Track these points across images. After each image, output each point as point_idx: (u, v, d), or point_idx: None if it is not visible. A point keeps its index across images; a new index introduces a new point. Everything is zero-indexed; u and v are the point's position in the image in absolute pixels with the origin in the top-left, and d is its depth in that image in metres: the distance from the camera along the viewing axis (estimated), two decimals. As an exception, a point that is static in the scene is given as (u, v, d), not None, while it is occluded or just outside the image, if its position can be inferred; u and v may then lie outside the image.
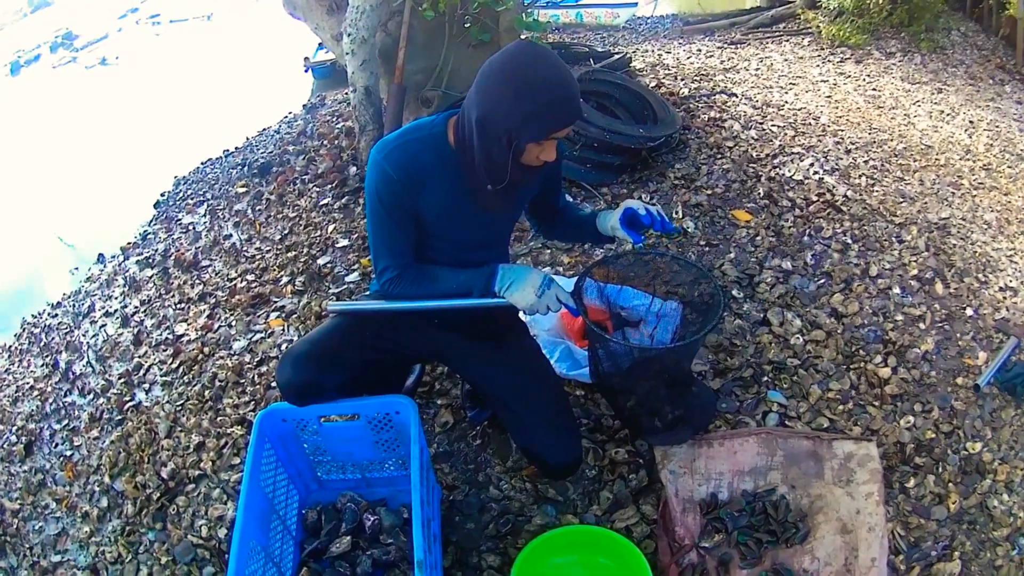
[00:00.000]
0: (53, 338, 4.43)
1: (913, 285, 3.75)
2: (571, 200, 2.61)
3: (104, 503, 3.17)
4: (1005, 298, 3.77)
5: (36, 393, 4.00)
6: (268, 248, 4.41)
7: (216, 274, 4.34)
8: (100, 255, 5.16)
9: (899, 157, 5.03)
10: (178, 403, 3.54)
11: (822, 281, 3.73)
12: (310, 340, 2.55)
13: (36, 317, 4.77)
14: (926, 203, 4.49)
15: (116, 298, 4.54)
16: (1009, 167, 5.15)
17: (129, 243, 5.18)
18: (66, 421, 3.74)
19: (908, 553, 2.66)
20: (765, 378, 3.24)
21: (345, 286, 3.99)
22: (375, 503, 2.72)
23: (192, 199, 5.32)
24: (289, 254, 4.29)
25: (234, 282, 4.21)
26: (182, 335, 3.97)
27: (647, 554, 2.53)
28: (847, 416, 3.07)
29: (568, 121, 2.10)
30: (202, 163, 5.96)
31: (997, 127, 5.82)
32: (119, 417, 3.59)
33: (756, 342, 3.41)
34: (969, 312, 3.62)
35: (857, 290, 3.67)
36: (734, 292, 3.67)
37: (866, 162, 4.86)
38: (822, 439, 2.90)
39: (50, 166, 7.51)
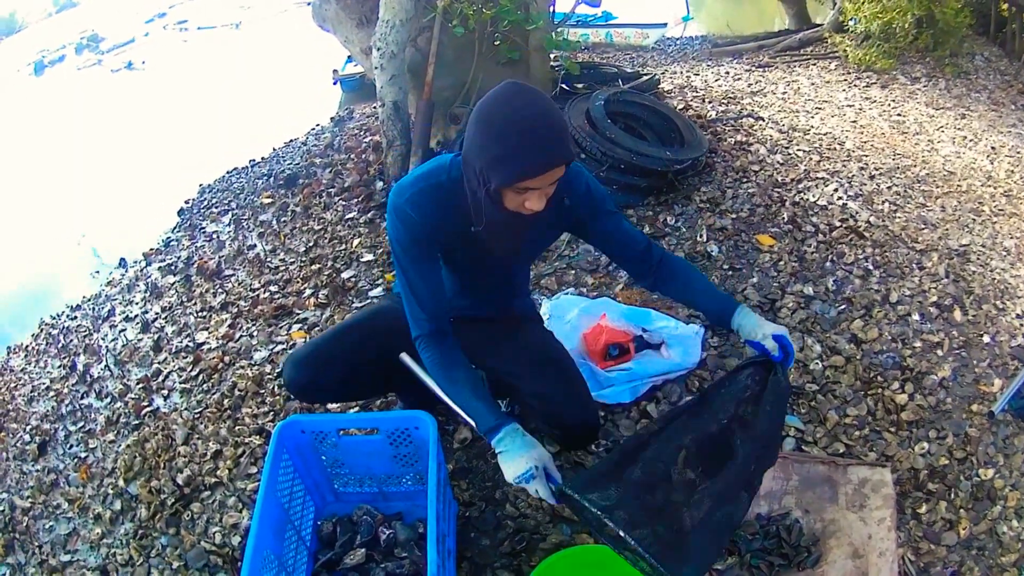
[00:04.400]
0: (71, 340, 4.46)
1: (932, 312, 3.73)
2: (687, 262, 2.58)
3: (117, 506, 3.19)
4: (1022, 325, 3.74)
5: (52, 394, 4.04)
6: (292, 260, 4.44)
7: (239, 284, 4.36)
8: (122, 259, 5.20)
9: (922, 183, 5.02)
10: (196, 410, 3.56)
11: (843, 307, 3.72)
12: (312, 343, 2.70)
13: (55, 319, 4.81)
14: (947, 230, 4.47)
15: (137, 303, 4.58)
16: (1030, 194, 5.13)
17: (152, 249, 5.22)
18: (82, 423, 3.77)
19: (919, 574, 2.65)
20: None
21: (368, 300, 4.01)
22: (391, 517, 2.73)
23: (217, 208, 5.36)
24: (313, 267, 4.32)
25: (257, 292, 4.23)
26: (203, 343, 3.99)
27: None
28: (863, 442, 3.05)
29: (538, 170, 1.97)
30: (228, 172, 6.00)
31: (1019, 153, 5.80)
32: (136, 422, 3.61)
33: None
34: (986, 339, 3.59)
35: (877, 316, 3.65)
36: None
37: (889, 188, 4.85)
38: (838, 464, 2.90)
39: (73, 168, 7.58)
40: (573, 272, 4.04)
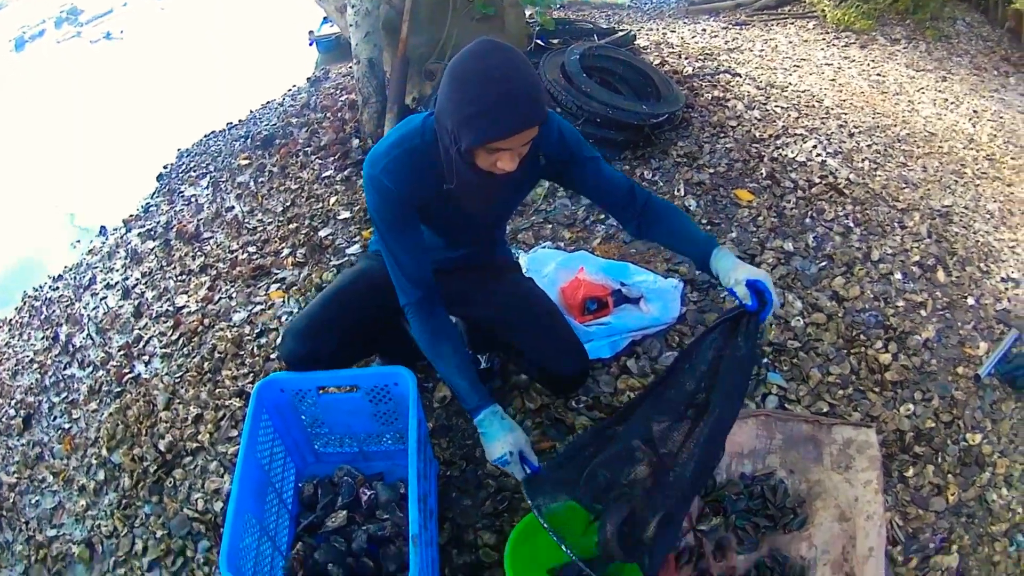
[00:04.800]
0: (54, 311, 4.39)
1: (915, 271, 3.71)
2: (672, 204, 2.47)
3: (101, 476, 3.15)
4: (1007, 289, 3.73)
5: (36, 366, 3.97)
6: (270, 220, 4.37)
7: (217, 246, 4.29)
8: (102, 228, 5.10)
9: (902, 143, 4.97)
10: (177, 375, 3.51)
11: (824, 264, 3.69)
12: (306, 314, 2.63)
13: (37, 291, 4.72)
14: (929, 190, 4.44)
15: (117, 270, 4.50)
16: (1013, 159, 5.08)
17: (131, 215, 5.12)
18: (65, 394, 3.71)
19: (906, 544, 2.64)
20: (765, 360, 3.19)
21: (346, 258, 3.95)
22: (372, 477, 2.69)
23: (195, 171, 5.26)
24: (291, 226, 4.26)
25: (235, 254, 4.17)
26: (182, 307, 3.93)
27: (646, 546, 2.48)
28: (847, 401, 3.04)
29: (510, 131, 1.91)
30: (205, 136, 5.89)
31: (1001, 118, 5.75)
32: (118, 389, 3.56)
33: None
34: (971, 301, 3.58)
35: (859, 274, 3.63)
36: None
37: (869, 146, 4.80)
38: (821, 424, 2.87)
39: (55, 141, 7.43)
40: (550, 226, 3.99)
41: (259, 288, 3.88)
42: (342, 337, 2.59)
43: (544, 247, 3.76)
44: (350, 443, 2.78)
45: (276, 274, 3.95)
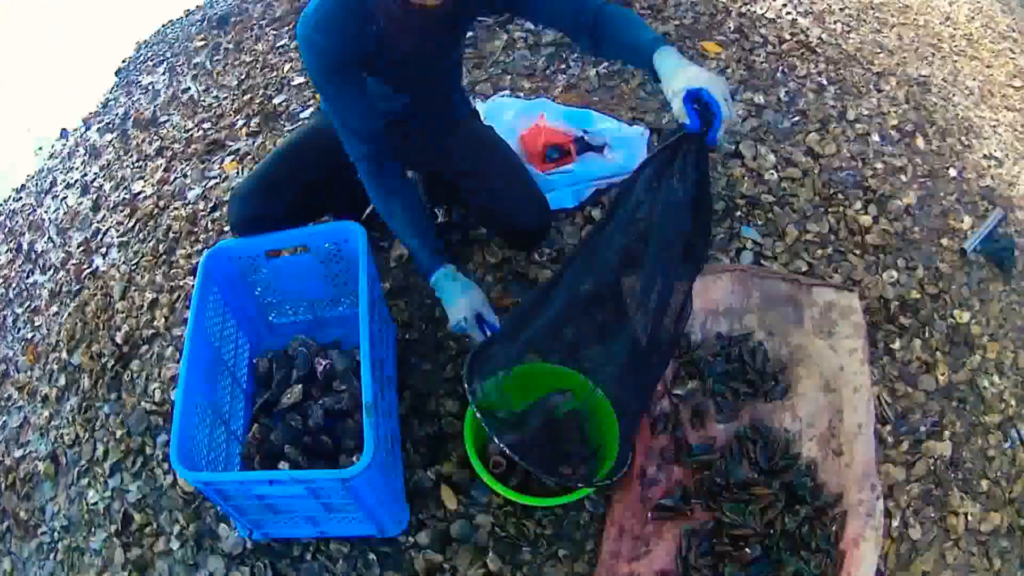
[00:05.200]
0: (17, 222, 4.07)
1: (893, 135, 3.43)
2: (629, 11, 2.08)
3: (62, 381, 2.93)
4: (990, 167, 3.48)
5: (0, 281, 3.69)
6: (225, 95, 4.04)
7: (174, 127, 3.97)
8: (63, 130, 4.74)
9: (875, 10, 4.58)
10: (133, 262, 3.24)
11: (796, 119, 3.40)
12: (254, 175, 2.45)
13: (2, 205, 4.40)
14: (905, 57, 4.11)
15: (77, 169, 4.16)
16: (992, 43, 4.74)
17: (90, 113, 4.76)
18: (28, 302, 3.44)
19: (896, 424, 2.49)
20: (738, 212, 2.97)
21: (300, 123, 3.65)
22: (327, 346, 2.43)
23: (152, 60, 4.87)
24: (245, 97, 3.93)
25: (191, 132, 3.85)
26: (139, 192, 3.62)
27: (618, 401, 2.22)
28: (827, 262, 2.85)
29: None
30: (163, 25, 5.45)
31: (979, 2, 5.38)
32: (77, 287, 3.30)
33: (728, 174, 3.11)
34: (953, 173, 3.34)
35: (834, 132, 3.35)
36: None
37: (841, 9, 4.42)
38: (801, 283, 2.64)
39: (10, 54, 6.90)
40: (509, 77, 3.66)
41: (213, 162, 3.60)
42: (292, 197, 2.38)
43: (503, 96, 3.46)
44: (304, 310, 2.55)
45: (230, 146, 3.66)
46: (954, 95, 3.94)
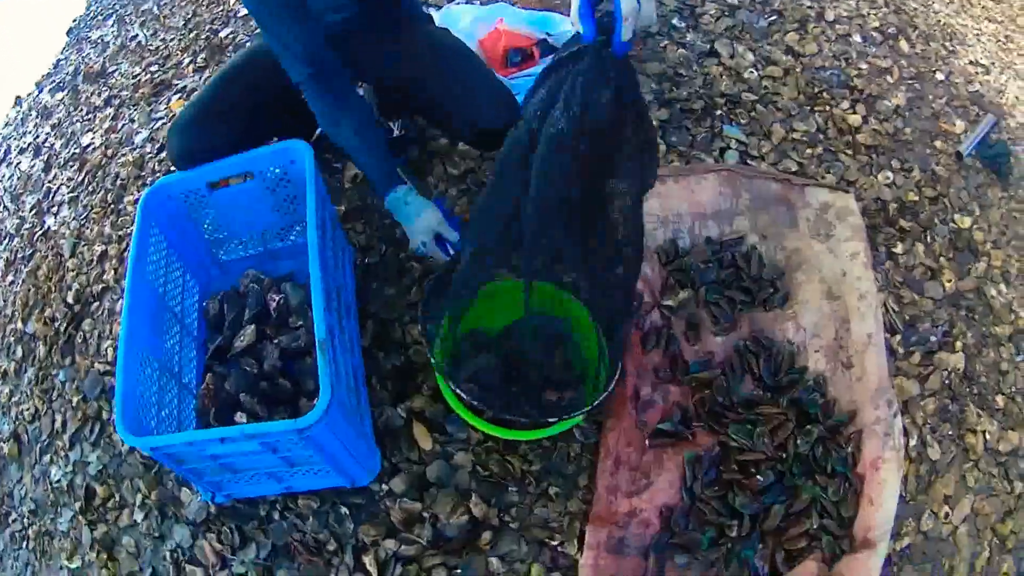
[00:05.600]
0: (-27, 196, 3.73)
1: (875, 37, 3.11)
2: None
3: (19, 353, 2.61)
4: (976, 73, 3.18)
5: (-43, 262, 3.36)
6: (172, 36, 3.70)
7: (122, 76, 3.63)
8: (17, 98, 4.38)
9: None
10: (83, 216, 2.90)
11: (773, 18, 3.07)
12: (193, 104, 2.13)
13: (-41, 184, 4.05)
14: (881, -39, 3.76)
15: (30, 133, 3.81)
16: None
17: (43, 75, 4.39)
18: (-16, 277, 3.15)
19: (905, 334, 2.22)
20: (719, 111, 2.67)
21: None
22: (281, 280, 2.10)
23: (102, 15, 4.50)
24: (191, 35, 3.61)
25: (138, 77, 3.52)
26: (88, 145, 3.29)
27: (597, 312, 1.92)
28: (817, 162, 2.57)
29: None
30: (112, -20, 5.12)
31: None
32: (30, 252, 2.97)
33: (705, 73, 2.80)
34: (940, 76, 3.03)
35: (813, 32, 3.02)
36: (674, 21, 3.01)
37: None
38: (792, 183, 2.36)
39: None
40: None
41: (160, 103, 3.27)
42: (236, 124, 2.06)
43: (458, 3, 3.11)
44: (255, 243, 2.22)
45: (177, 84, 3.34)
46: (933, 2, 3.61)
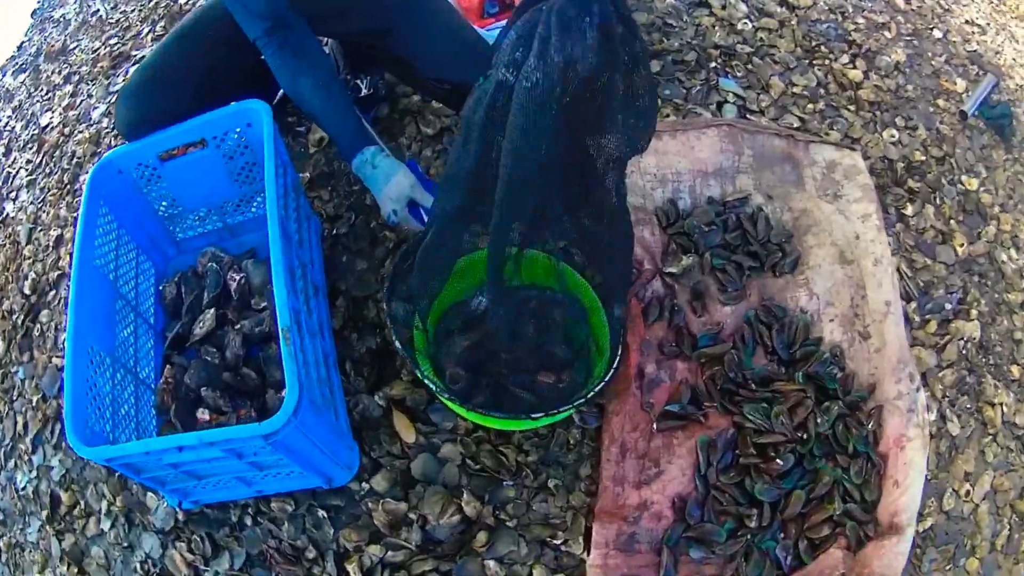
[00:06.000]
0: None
1: (868, -9, 2.93)
2: None
3: None
4: (973, 33, 2.96)
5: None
6: (132, 7, 3.40)
7: (82, 51, 3.35)
8: (-22, 85, 4.08)
9: None
10: (40, 200, 2.62)
11: None
12: (142, 67, 1.86)
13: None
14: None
15: (-9, 118, 3.57)
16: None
17: (6, 60, 4.05)
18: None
19: (920, 301, 2.03)
20: (713, 64, 2.43)
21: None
22: (242, 257, 1.82)
23: (66, -7, 4.21)
24: (151, 4, 3.32)
25: (97, 52, 3.24)
26: (46, 125, 3.00)
27: (594, 284, 1.66)
28: (820, 117, 2.34)
29: None
30: (74, -41, 4.78)
31: None
32: None
33: (696, 24, 2.54)
34: (938, 34, 2.81)
35: None
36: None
37: None
38: (797, 139, 2.11)
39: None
40: None
41: (118, 76, 2.99)
42: (188, 89, 1.75)
43: None
44: (213, 218, 1.93)
45: (135, 55, 3.04)
46: (921, -40, 3.43)
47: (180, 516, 1.71)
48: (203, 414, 1.57)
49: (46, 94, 3.21)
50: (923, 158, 2.32)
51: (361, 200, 2.08)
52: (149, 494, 1.76)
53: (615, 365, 1.49)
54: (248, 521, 1.67)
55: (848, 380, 1.74)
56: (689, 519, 1.57)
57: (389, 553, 1.59)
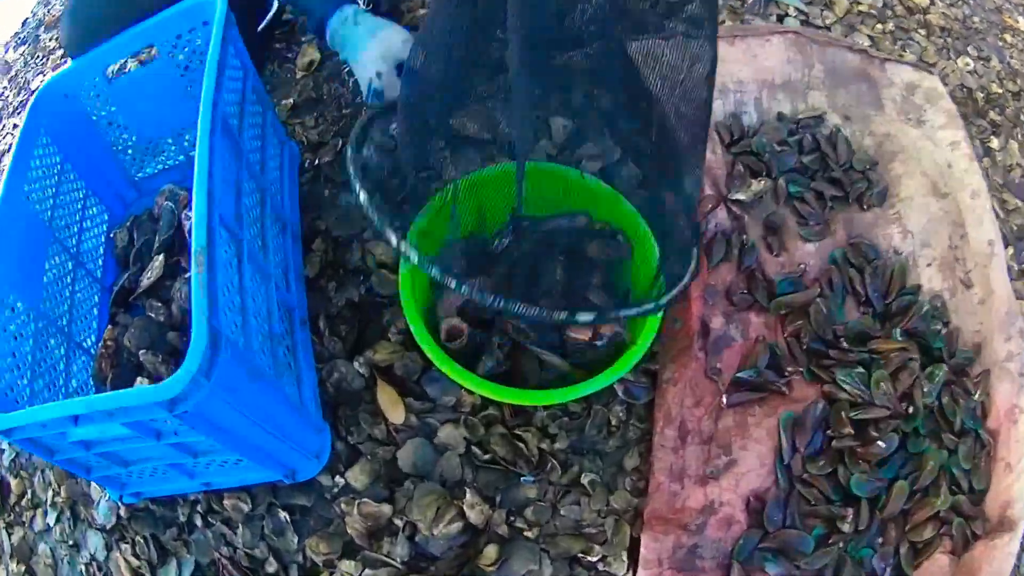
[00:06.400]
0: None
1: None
2: None
3: None
4: None
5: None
6: None
7: None
8: (-17, 63, 3.81)
9: None
10: None
11: None
12: None
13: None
14: None
15: (-5, 96, 3.28)
16: None
17: (11, 36, 3.72)
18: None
19: (1017, 248, 1.61)
20: None
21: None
22: None
23: (74, -32, 3.89)
24: None
25: None
26: (35, 89, 2.60)
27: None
28: (891, 39, 1.96)
29: None
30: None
31: None
32: None
33: None
34: None
35: None
36: None
37: None
38: (871, 56, 1.65)
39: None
40: None
41: None
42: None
43: None
44: (173, 149, 1.49)
45: None
46: None
47: (123, 511, 1.27)
48: (143, 382, 1.17)
49: (40, 60, 2.98)
50: (1000, 91, 1.95)
51: (348, 126, 1.64)
52: (92, 485, 1.37)
53: (693, 266, 1.05)
54: (198, 521, 1.22)
55: (952, 338, 1.28)
56: (768, 525, 1.10)
57: (367, 571, 1.12)
